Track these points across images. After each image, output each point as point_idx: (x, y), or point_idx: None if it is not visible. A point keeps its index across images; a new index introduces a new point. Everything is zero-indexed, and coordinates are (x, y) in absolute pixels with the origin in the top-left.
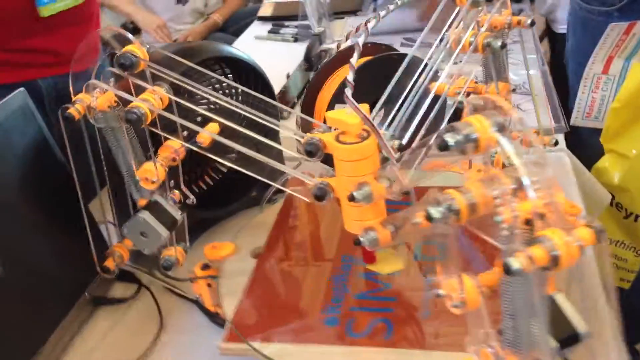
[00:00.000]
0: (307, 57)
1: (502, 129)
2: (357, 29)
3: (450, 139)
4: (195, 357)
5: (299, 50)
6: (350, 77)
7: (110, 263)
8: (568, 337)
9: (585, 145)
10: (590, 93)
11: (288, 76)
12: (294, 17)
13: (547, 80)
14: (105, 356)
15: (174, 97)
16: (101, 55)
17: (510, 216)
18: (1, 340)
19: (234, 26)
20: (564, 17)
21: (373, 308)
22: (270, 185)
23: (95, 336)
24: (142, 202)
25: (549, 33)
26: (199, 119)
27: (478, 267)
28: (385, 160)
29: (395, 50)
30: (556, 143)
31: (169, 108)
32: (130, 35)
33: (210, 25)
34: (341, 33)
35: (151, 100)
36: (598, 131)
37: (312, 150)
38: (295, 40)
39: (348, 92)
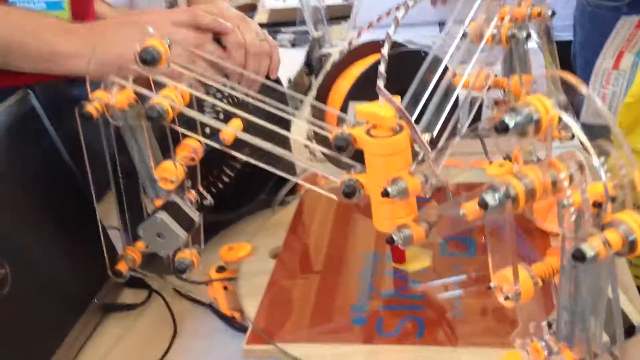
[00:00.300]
0: (308, 62)
1: (565, 107)
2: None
3: (509, 120)
4: None
5: (297, 55)
6: (382, 68)
7: (122, 266)
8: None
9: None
10: (600, 89)
11: (290, 81)
12: (290, 24)
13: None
14: None
15: (196, 93)
16: None
17: (580, 199)
18: (10, 350)
19: None
20: (560, 24)
21: (402, 306)
22: (283, 186)
23: (106, 343)
24: (158, 203)
25: None
26: (220, 116)
27: (524, 257)
28: (414, 156)
29: (406, 46)
30: (572, 137)
31: (189, 105)
32: (150, 29)
33: None
34: (339, 38)
35: (172, 97)
36: (609, 129)
37: (343, 145)
38: (293, 45)
39: (380, 83)
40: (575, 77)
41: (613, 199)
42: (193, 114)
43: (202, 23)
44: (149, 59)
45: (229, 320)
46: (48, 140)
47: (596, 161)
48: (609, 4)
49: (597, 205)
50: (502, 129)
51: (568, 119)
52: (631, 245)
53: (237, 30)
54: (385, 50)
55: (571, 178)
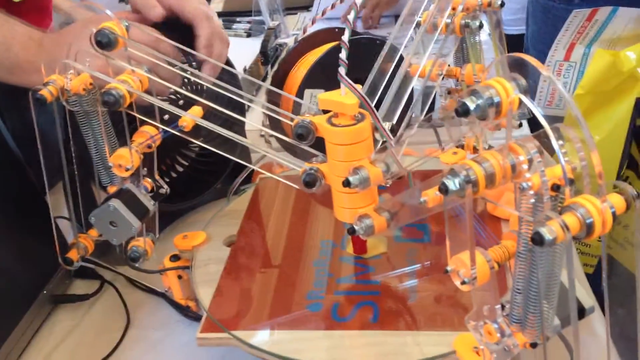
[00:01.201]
0: (264, 51)
1: (525, 91)
2: (333, 6)
3: (470, 102)
4: (166, 352)
5: (252, 45)
6: (344, 55)
7: (73, 254)
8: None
9: None
10: None
11: (245, 70)
12: (245, 13)
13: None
14: (68, 356)
15: (155, 79)
16: None
17: (539, 182)
18: None
19: None
20: (509, 18)
21: (357, 292)
22: (238, 175)
23: (56, 336)
24: (112, 189)
25: None
26: (180, 102)
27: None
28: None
29: (361, 35)
30: (520, 125)
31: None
32: (108, 12)
33: None
34: (295, 28)
35: (130, 82)
36: (560, 119)
37: (304, 134)
38: (249, 35)
39: (342, 71)
40: (535, 60)
41: (572, 182)
42: (151, 99)
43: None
44: (104, 41)
45: (183, 310)
46: None
47: (555, 144)
48: None
49: (556, 188)
50: (463, 111)
51: (528, 102)
52: (588, 229)
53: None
54: (345, 37)
55: (530, 162)
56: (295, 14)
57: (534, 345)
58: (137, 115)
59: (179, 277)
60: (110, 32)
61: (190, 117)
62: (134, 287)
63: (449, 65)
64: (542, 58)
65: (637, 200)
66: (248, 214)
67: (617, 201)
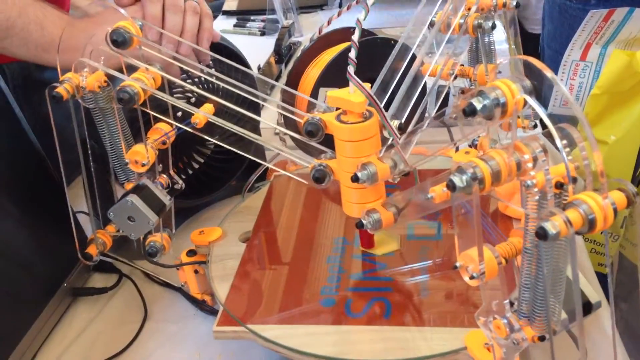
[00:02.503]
0: (277, 50)
1: (530, 92)
2: (349, 7)
3: (477, 103)
4: (182, 345)
5: (266, 43)
6: (353, 54)
7: (92, 249)
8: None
9: None
10: (568, 80)
11: (259, 68)
12: (259, 12)
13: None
14: (87, 347)
15: (168, 76)
16: None
17: (543, 179)
18: None
19: None
20: (537, 17)
21: (370, 288)
22: (253, 172)
23: (75, 327)
24: (129, 186)
25: (521, 32)
26: (192, 100)
27: (488, 239)
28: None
29: (376, 35)
30: (535, 126)
31: (161, 89)
32: (122, 10)
33: None
34: (308, 27)
35: (144, 80)
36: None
37: (313, 130)
38: (263, 34)
39: (351, 69)
40: (540, 63)
41: (575, 180)
42: (165, 97)
43: None
44: (119, 40)
45: (199, 304)
46: (14, 121)
47: (559, 143)
48: None
49: (559, 185)
50: (469, 111)
51: (533, 102)
52: (591, 224)
53: None
54: (355, 36)
55: (535, 160)
56: (309, 12)
57: (542, 338)
58: (151, 112)
59: (196, 271)
60: (125, 30)
61: (203, 114)
62: (151, 281)
63: (462, 65)
64: (557, 58)
65: (638, 197)
66: (263, 211)
67: (618, 197)
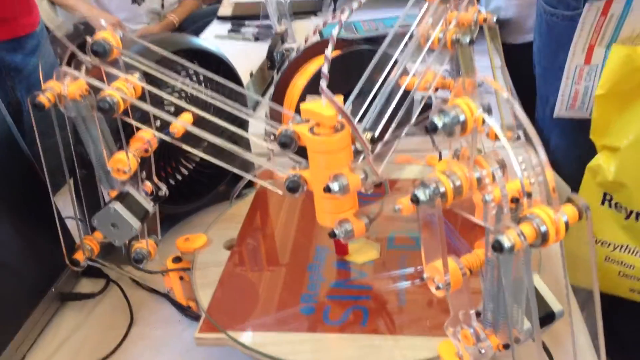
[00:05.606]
0: (270, 56)
1: (489, 110)
2: (325, 24)
3: (438, 120)
4: (167, 350)
5: (260, 49)
6: (325, 69)
7: (79, 255)
8: (544, 316)
9: (573, 142)
10: (573, 85)
11: (251, 74)
12: (253, 17)
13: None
14: (74, 352)
15: (147, 86)
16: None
17: (500, 195)
18: None
19: (192, 26)
20: (519, 27)
21: (349, 296)
22: (240, 179)
23: (63, 332)
24: (112, 193)
25: (504, 44)
26: (172, 109)
27: (455, 250)
28: (357, 153)
29: (364, 45)
30: (518, 137)
31: (141, 98)
32: (103, 22)
33: (166, 25)
34: (302, 33)
35: (124, 89)
36: (584, 122)
37: (287, 142)
38: (256, 39)
39: (323, 83)
40: (496, 83)
41: (529, 195)
42: (144, 106)
43: None
44: (100, 50)
45: (184, 310)
46: (3, 126)
47: (514, 159)
48: (564, 13)
49: (515, 200)
50: (431, 128)
51: (490, 120)
52: (543, 237)
53: None
54: (328, 52)
55: (493, 176)
56: (302, 18)
57: (507, 346)
58: (131, 121)
59: (181, 278)
60: (106, 41)
61: (181, 124)
62: (138, 287)
63: (444, 78)
64: (547, 72)
65: (588, 211)
66: (248, 219)
67: (569, 211)
